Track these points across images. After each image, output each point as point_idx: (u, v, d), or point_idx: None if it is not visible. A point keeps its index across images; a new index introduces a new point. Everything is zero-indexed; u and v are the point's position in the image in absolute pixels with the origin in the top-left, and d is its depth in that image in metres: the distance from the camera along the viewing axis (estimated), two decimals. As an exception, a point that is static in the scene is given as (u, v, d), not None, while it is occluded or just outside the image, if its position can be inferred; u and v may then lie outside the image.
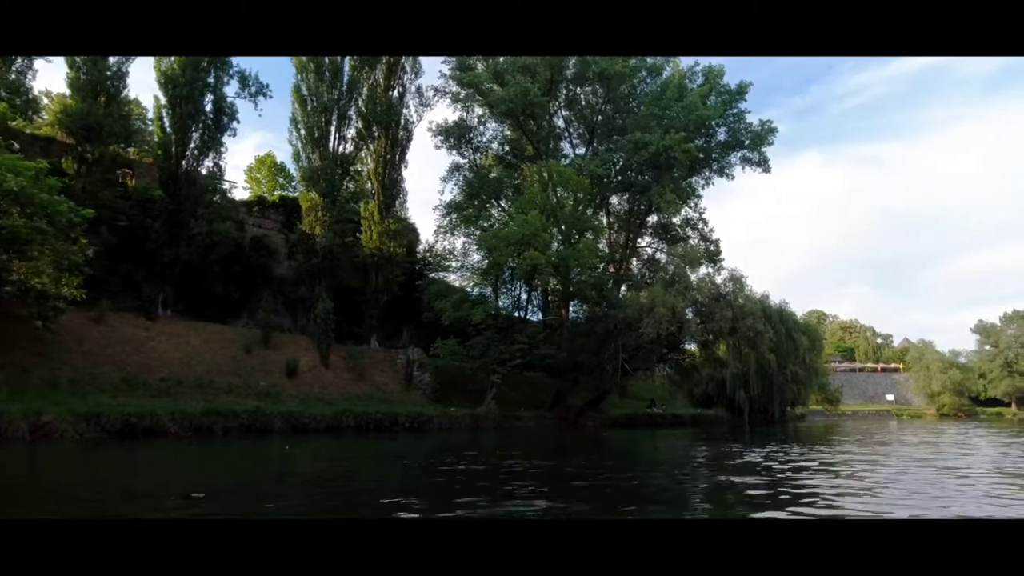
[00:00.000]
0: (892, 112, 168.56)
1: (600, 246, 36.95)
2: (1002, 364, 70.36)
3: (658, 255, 40.83)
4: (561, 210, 31.43)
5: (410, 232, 36.72)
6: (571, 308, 36.08)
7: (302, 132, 30.87)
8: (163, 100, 26.86)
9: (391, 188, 32.91)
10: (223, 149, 28.24)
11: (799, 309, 67.24)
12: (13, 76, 25.30)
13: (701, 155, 37.21)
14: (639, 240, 41.54)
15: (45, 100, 33.07)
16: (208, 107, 27.72)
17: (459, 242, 37.77)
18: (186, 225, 26.65)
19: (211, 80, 27.62)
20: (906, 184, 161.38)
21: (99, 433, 16.85)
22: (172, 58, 25.99)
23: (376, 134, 32.66)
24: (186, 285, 27.76)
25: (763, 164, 38.81)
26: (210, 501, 7.20)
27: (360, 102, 32.23)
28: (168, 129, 26.91)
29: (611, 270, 38.86)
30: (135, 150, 31.32)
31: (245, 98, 29.35)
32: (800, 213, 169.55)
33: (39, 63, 26.65)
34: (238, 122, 28.42)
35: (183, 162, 27.03)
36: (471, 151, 41.17)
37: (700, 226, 40.79)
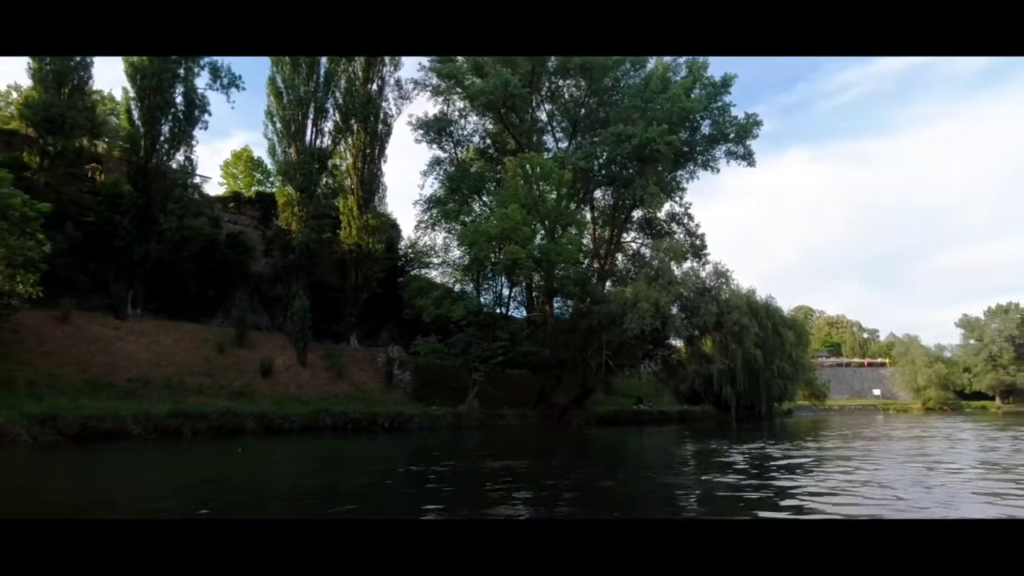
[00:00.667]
0: (878, 109, 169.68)
1: (584, 241, 36.51)
2: (986, 358, 70.73)
3: (643, 250, 40.38)
4: (543, 204, 30.85)
5: (390, 228, 35.96)
6: (555, 304, 35.58)
7: (278, 126, 30.13)
8: (131, 92, 26.01)
9: (370, 183, 32.28)
10: (194, 142, 27.36)
11: (786, 305, 67.51)
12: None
13: (685, 148, 36.75)
14: (624, 235, 41.16)
15: (14, 95, 31.96)
16: (179, 99, 26.87)
17: (440, 237, 37.19)
18: (156, 221, 25.70)
19: (181, 72, 26.75)
20: (892, 181, 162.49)
21: (55, 437, 16.10)
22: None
23: (354, 128, 31.98)
24: (158, 283, 26.84)
25: (748, 158, 38.42)
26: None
27: (337, 95, 31.51)
28: (137, 122, 26.08)
29: (596, 265, 38.43)
30: (104, 144, 30.27)
31: (217, 90, 28.54)
32: (787, 211, 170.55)
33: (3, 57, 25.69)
34: (209, 114, 27.56)
35: (153, 156, 26.12)
36: (452, 145, 40.51)
37: (685, 221, 40.46)
